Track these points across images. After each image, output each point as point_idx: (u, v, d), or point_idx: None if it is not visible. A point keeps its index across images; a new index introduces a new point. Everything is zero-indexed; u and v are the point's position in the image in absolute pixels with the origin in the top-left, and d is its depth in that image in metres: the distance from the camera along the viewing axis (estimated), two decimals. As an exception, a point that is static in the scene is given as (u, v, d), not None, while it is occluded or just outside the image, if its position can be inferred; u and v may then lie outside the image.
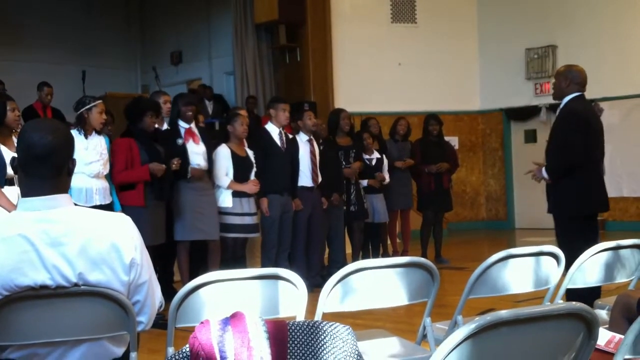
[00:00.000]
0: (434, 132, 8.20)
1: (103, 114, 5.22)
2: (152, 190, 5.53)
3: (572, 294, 3.53)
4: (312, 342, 1.77)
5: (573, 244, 4.06)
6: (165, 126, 6.24)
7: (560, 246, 3.80)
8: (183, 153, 5.82)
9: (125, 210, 5.16)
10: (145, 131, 5.56)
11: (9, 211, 4.09)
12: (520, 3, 12.10)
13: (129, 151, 5.46)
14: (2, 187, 4.36)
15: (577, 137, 4.49)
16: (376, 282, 2.65)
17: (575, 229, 4.56)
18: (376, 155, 7.87)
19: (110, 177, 5.43)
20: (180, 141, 5.86)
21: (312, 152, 6.76)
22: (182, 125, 5.96)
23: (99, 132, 5.30)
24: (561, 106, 4.67)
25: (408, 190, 8.30)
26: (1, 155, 4.44)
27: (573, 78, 4.61)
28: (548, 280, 3.11)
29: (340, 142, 7.41)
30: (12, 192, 4.35)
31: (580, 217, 4.60)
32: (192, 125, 6.03)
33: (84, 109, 5.13)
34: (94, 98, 5.30)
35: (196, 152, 5.94)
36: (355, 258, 7.40)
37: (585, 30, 11.34)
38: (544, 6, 11.81)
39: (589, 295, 3.72)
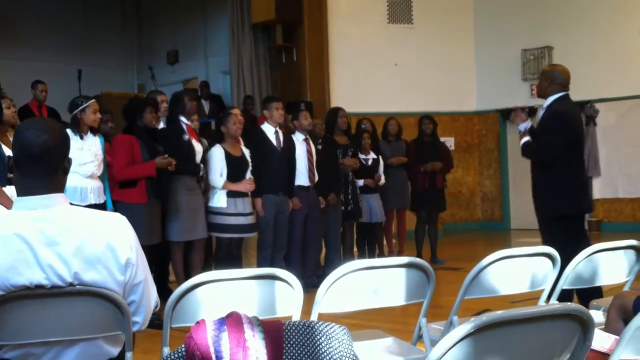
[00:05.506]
0: (427, 131, 8.22)
1: (97, 113, 5.21)
2: (151, 188, 5.51)
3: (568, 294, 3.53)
4: (308, 342, 1.77)
5: (556, 244, 4.03)
6: (161, 125, 6.23)
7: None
8: (190, 149, 5.82)
9: (125, 208, 5.14)
10: (146, 128, 5.54)
11: (9, 209, 4.06)
12: (517, 4, 12.11)
13: (130, 148, 5.43)
14: (4, 186, 4.33)
15: (559, 138, 4.52)
16: (372, 283, 2.65)
17: (557, 229, 4.54)
18: (372, 155, 7.87)
19: (105, 176, 5.41)
20: (186, 137, 5.86)
21: (309, 152, 6.76)
22: (184, 121, 5.96)
23: (94, 133, 5.28)
24: (545, 106, 4.69)
25: (404, 191, 8.31)
26: (2, 152, 4.43)
27: (554, 78, 4.61)
28: (543, 281, 3.12)
29: (338, 140, 7.42)
30: (14, 191, 4.32)
31: (561, 217, 4.55)
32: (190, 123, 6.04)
33: (77, 110, 5.12)
34: (86, 98, 5.27)
35: (198, 151, 5.95)
36: (347, 257, 7.38)
37: (581, 31, 11.36)
38: (540, 8, 11.82)
39: (591, 295, 3.73)
